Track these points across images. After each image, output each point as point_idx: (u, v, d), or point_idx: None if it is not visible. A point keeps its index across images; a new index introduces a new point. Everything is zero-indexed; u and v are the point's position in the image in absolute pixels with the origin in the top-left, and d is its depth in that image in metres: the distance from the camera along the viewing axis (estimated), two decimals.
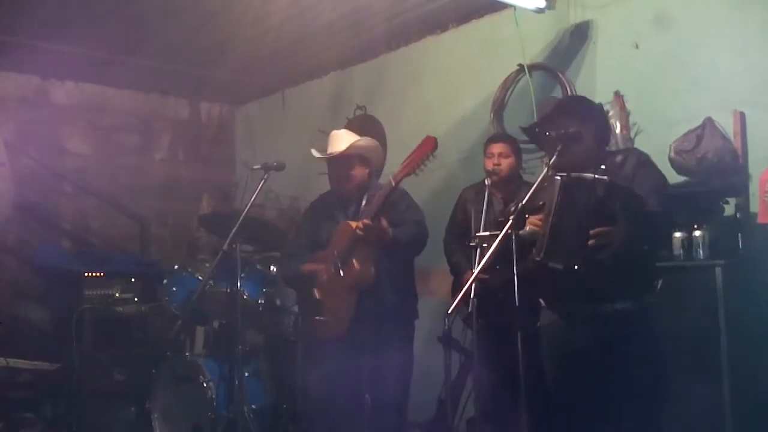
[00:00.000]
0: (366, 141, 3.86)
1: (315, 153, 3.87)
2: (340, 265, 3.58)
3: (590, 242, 2.61)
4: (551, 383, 2.94)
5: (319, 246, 3.82)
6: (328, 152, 3.78)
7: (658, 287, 2.91)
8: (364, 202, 3.75)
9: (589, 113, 2.94)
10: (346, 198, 3.83)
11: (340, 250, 3.59)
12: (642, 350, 2.74)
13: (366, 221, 3.45)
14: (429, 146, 3.39)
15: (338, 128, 4.14)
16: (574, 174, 2.69)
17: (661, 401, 2.80)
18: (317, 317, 3.67)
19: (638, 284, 2.80)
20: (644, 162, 2.89)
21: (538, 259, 2.70)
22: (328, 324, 3.64)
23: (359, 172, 3.79)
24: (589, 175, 2.67)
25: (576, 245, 2.63)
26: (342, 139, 3.81)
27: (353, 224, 3.55)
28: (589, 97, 4.27)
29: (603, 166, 2.85)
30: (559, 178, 2.69)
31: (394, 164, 5.43)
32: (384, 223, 3.51)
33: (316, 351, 3.92)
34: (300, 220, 4.05)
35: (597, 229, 2.61)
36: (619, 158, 2.91)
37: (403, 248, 3.68)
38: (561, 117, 2.89)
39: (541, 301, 2.99)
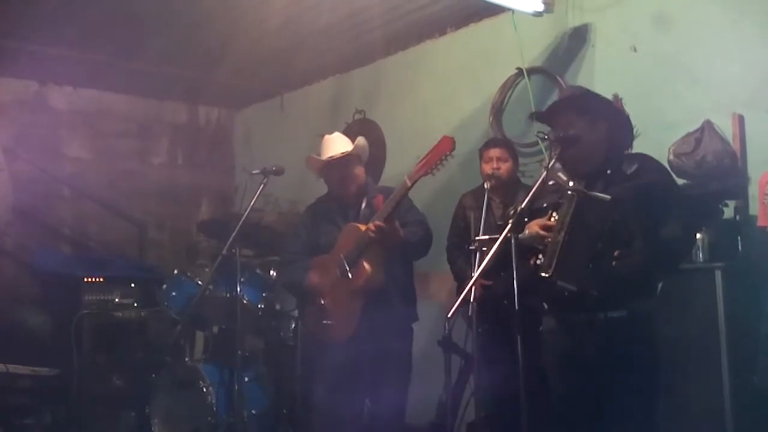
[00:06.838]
0: (363, 141, 3.87)
1: (318, 157, 3.81)
2: (347, 267, 3.55)
3: (614, 264, 2.58)
4: (553, 388, 2.92)
5: (319, 251, 3.80)
6: (331, 155, 3.76)
7: (658, 291, 2.90)
8: (363, 204, 3.74)
9: (600, 109, 2.87)
10: (347, 200, 3.82)
11: (347, 252, 3.57)
12: (642, 354, 2.73)
13: (379, 223, 3.41)
14: (446, 146, 3.28)
15: (338, 132, 4.14)
16: (591, 193, 2.66)
17: (660, 404, 2.79)
18: (324, 321, 3.65)
19: (639, 290, 2.77)
20: (663, 177, 2.81)
21: (546, 275, 2.67)
22: (333, 328, 3.62)
23: (360, 171, 3.80)
24: (605, 197, 2.61)
25: (589, 267, 2.60)
26: (339, 142, 3.81)
27: (362, 226, 3.53)
28: None
29: (609, 171, 2.79)
30: (574, 194, 2.65)
31: (393, 167, 5.48)
32: (397, 224, 3.50)
33: (317, 355, 3.91)
34: (298, 225, 4.02)
35: (619, 252, 2.58)
36: (630, 168, 2.79)
37: (413, 249, 3.68)
38: (568, 112, 2.82)
39: (545, 304, 2.98)
